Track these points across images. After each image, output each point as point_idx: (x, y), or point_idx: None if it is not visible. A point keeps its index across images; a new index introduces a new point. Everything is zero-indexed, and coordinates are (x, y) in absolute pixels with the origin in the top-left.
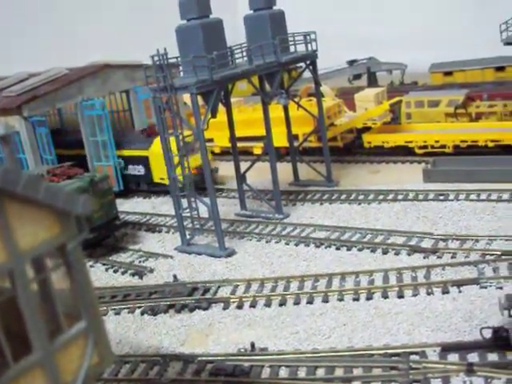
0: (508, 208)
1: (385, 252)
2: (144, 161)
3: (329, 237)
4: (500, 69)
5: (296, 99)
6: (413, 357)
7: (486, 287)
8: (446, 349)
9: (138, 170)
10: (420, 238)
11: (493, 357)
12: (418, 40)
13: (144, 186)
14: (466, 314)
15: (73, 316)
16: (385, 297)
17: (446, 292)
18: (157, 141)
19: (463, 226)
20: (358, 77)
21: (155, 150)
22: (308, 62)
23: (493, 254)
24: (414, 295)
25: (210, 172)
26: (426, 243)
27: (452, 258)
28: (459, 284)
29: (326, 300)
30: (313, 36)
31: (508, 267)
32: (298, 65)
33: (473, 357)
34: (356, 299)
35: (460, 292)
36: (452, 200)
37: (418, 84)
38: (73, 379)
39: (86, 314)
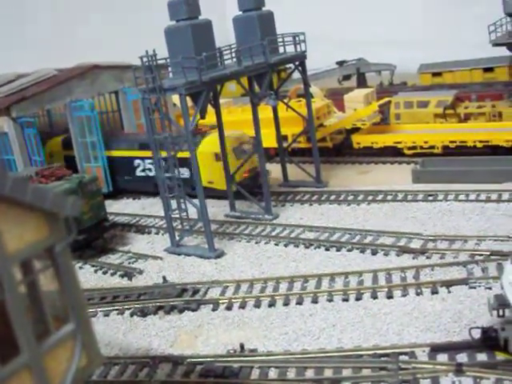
0: (497, 208)
1: (374, 252)
2: (190, 163)
3: (318, 237)
4: (488, 70)
5: (285, 100)
6: (402, 357)
7: (475, 287)
8: (436, 349)
9: (182, 172)
10: (409, 239)
11: (482, 357)
12: (407, 41)
13: (187, 190)
14: (455, 314)
15: (61, 318)
16: (374, 297)
17: (435, 292)
18: (205, 140)
19: (452, 227)
20: (347, 77)
21: (204, 150)
22: (297, 63)
23: (482, 255)
24: (403, 296)
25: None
26: (415, 244)
27: (441, 258)
28: (448, 284)
29: (315, 301)
30: (302, 37)
31: (497, 267)
32: (288, 66)
33: (462, 357)
34: (345, 300)
35: (449, 292)
36: (441, 200)
37: (407, 85)
38: (61, 381)
39: (74, 315)
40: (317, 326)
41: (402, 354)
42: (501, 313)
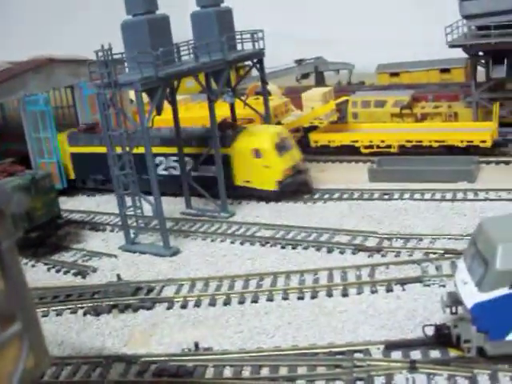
0: (451, 207)
1: (330, 251)
2: (224, 160)
3: (274, 235)
4: (445, 70)
5: (243, 97)
6: (357, 355)
7: (429, 285)
8: (390, 346)
9: (212, 171)
10: (365, 237)
11: (435, 354)
12: (366, 40)
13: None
14: (409, 311)
15: (7, 318)
16: (329, 295)
17: (389, 290)
18: (242, 135)
19: (408, 225)
20: (305, 76)
21: (240, 146)
22: (255, 61)
23: (436, 253)
24: (359, 294)
25: (300, 173)
26: (371, 242)
27: (396, 256)
28: (403, 282)
29: (270, 299)
30: (260, 34)
31: (451, 265)
32: (246, 63)
33: (416, 354)
34: (301, 298)
35: (404, 290)
36: (397, 199)
37: (365, 84)
38: (7, 383)
39: (21, 315)
40: (272, 324)
41: (356, 351)
42: (453, 310)
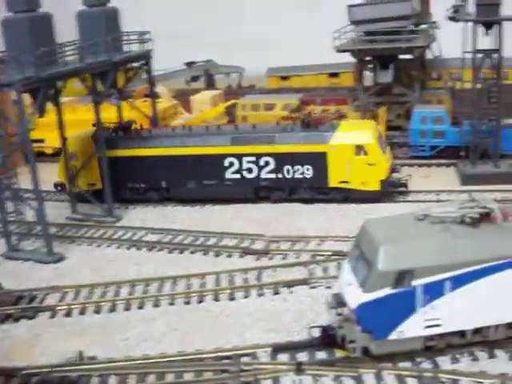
0: (337, 209)
1: (217, 254)
2: (317, 159)
3: (161, 240)
4: (334, 75)
5: (131, 100)
6: (244, 359)
7: (315, 287)
8: (277, 349)
9: (301, 171)
10: (252, 240)
11: (321, 355)
12: (257, 44)
13: (306, 193)
14: (296, 314)
15: None
16: (216, 300)
17: (276, 293)
18: (339, 131)
19: (295, 228)
20: (195, 79)
21: (340, 142)
22: (143, 62)
23: (323, 255)
24: (246, 297)
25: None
26: (258, 245)
27: (283, 259)
28: (290, 285)
29: (157, 304)
30: (148, 36)
31: (337, 267)
32: (136, 64)
33: (303, 356)
34: (187, 303)
35: (291, 293)
36: (284, 202)
37: (256, 87)
38: None
39: None
40: (158, 331)
41: (243, 355)
42: (339, 311)
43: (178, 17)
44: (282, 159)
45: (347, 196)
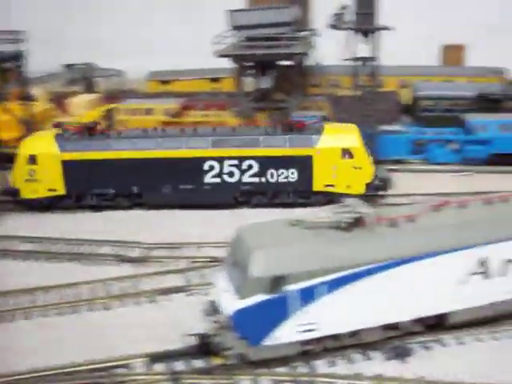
0: (217, 215)
1: (92, 263)
2: (302, 163)
3: (36, 249)
4: (215, 80)
5: (5, 102)
6: (120, 370)
7: (193, 294)
8: (154, 359)
9: (285, 175)
10: (129, 248)
11: (199, 363)
12: (139, 47)
13: (291, 198)
14: (174, 322)
15: None
16: (91, 310)
17: (153, 301)
18: (326, 133)
19: (175, 234)
20: (74, 82)
21: (326, 146)
22: (17, 63)
23: (201, 261)
24: (122, 306)
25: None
26: (136, 253)
27: (161, 266)
28: (167, 292)
29: (28, 317)
30: (21, 36)
31: (214, 273)
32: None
33: (180, 365)
34: (60, 314)
35: (169, 301)
36: (162, 209)
37: (136, 91)
38: None
39: None
40: (30, 344)
41: (119, 366)
42: (215, 318)
43: (56, 19)
44: (266, 163)
45: (331, 200)
